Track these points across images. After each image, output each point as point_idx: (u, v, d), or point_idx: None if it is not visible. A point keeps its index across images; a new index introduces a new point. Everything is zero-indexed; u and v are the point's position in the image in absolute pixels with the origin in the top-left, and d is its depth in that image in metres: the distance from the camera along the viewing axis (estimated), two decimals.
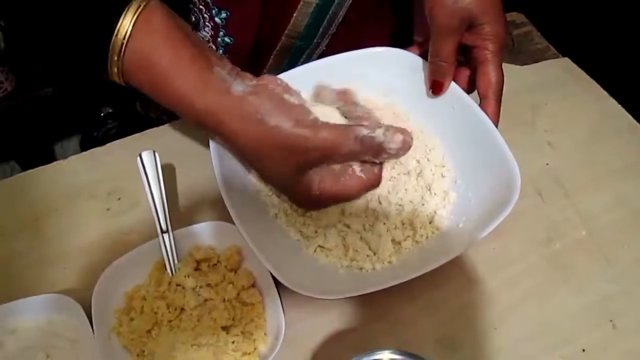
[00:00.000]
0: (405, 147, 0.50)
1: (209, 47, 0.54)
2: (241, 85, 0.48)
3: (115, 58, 0.46)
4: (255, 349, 0.51)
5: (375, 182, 0.54)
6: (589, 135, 0.69)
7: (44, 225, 0.62)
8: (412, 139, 0.51)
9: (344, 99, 0.57)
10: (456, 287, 0.57)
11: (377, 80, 0.62)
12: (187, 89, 0.47)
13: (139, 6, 0.45)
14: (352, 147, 0.49)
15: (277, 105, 0.48)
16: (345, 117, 0.55)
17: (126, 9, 0.45)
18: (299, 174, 0.50)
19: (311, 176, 0.51)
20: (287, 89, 0.50)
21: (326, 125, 0.48)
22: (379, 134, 0.49)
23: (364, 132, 0.49)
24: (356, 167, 0.53)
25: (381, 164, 0.55)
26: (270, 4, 0.65)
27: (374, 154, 0.50)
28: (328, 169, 0.52)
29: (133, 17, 0.45)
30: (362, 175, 0.53)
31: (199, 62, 0.47)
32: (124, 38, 0.45)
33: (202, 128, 0.50)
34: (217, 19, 0.65)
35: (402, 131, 0.50)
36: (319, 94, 0.58)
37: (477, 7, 0.53)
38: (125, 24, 0.45)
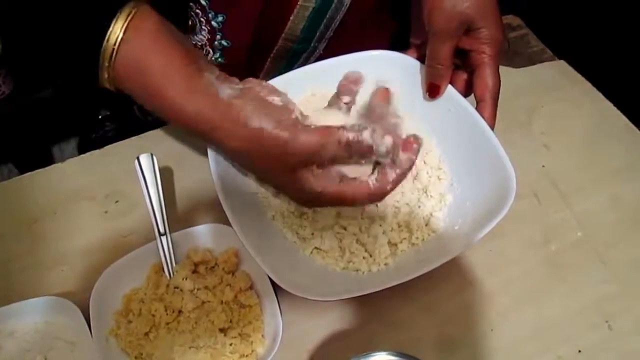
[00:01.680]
0: (395, 151, 0.50)
1: (199, 52, 0.54)
2: (228, 89, 0.48)
3: (106, 64, 0.46)
4: (252, 351, 0.51)
5: (380, 197, 0.53)
6: (585, 137, 0.69)
7: (42, 228, 0.62)
8: (400, 137, 0.51)
9: (382, 98, 0.57)
10: (453, 288, 0.57)
11: (374, 83, 0.62)
12: (178, 95, 0.47)
13: (130, 12, 0.45)
14: (335, 151, 0.48)
15: (259, 106, 0.48)
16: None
17: (117, 14, 0.45)
18: (290, 173, 0.49)
19: (303, 175, 0.50)
20: (272, 91, 0.50)
21: (307, 128, 0.48)
22: (366, 136, 0.48)
23: (350, 135, 0.48)
24: (367, 175, 0.52)
25: (398, 177, 0.52)
26: (267, 7, 0.65)
27: (362, 156, 0.50)
28: (333, 169, 0.51)
29: (124, 23, 0.45)
30: (370, 184, 0.51)
31: (189, 68, 0.47)
32: (115, 44, 0.45)
33: (192, 135, 0.50)
34: (213, 23, 0.65)
35: (390, 133, 0.50)
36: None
37: (474, 11, 0.53)
38: (117, 29, 0.44)
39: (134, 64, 0.46)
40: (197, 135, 0.49)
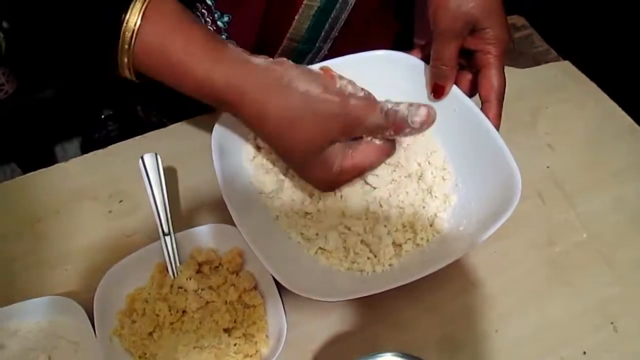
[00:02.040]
0: (430, 120, 0.48)
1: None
2: (260, 58, 0.48)
3: (126, 47, 0.46)
4: (257, 351, 0.51)
5: (392, 149, 0.52)
6: (590, 137, 0.69)
7: (46, 227, 0.62)
8: (435, 113, 0.49)
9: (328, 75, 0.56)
10: (457, 289, 0.57)
11: (378, 83, 0.62)
12: (204, 66, 0.46)
13: None
14: (378, 119, 0.48)
15: (303, 71, 0.47)
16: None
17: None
18: (322, 146, 0.49)
19: (333, 152, 0.49)
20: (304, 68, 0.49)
21: (354, 95, 0.48)
22: (402, 108, 0.48)
23: (389, 105, 0.48)
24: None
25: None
26: (272, 7, 0.65)
27: (397, 128, 0.49)
28: (346, 144, 0.50)
29: (143, 5, 0.45)
30: (377, 141, 0.51)
31: (212, 41, 0.47)
32: (135, 26, 0.45)
33: (222, 106, 0.49)
34: (219, 23, 0.65)
35: (426, 105, 0.49)
36: None
37: (480, 11, 0.53)
38: (135, 12, 0.45)
39: (155, 45, 0.46)
40: (227, 107, 0.49)
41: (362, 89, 0.50)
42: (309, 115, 0.47)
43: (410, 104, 0.48)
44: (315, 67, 0.61)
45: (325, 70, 0.50)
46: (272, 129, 0.49)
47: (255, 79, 0.47)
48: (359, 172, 0.52)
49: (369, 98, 0.49)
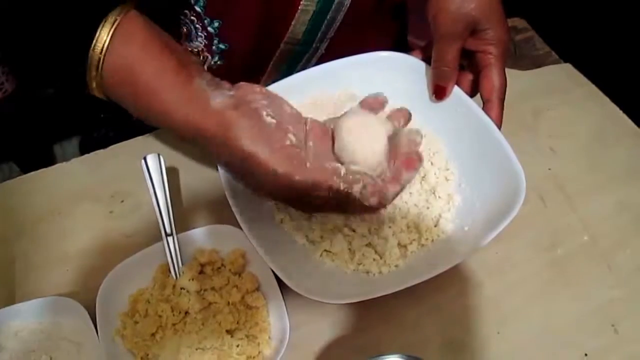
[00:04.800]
0: (381, 206, 0.49)
1: (189, 55, 0.52)
2: (219, 96, 0.46)
3: (94, 72, 0.44)
4: (259, 352, 0.51)
5: (376, 211, 0.52)
6: (591, 140, 0.69)
7: (47, 227, 0.62)
8: (392, 198, 0.50)
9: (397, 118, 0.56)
10: (459, 291, 0.57)
11: (380, 84, 0.62)
12: (167, 103, 0.45)
13: (116, 19, 0.44)
14: (324, 194, 0.47)
15: (253, 125, 0.45)
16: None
17: (103, 20, 0.43)
18: (283, 193, 0.48)
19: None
20: (266, 96, 0.48)
21: (301, 166, 0.46)
22: (356, 190, 0.47)
23: (341, 185, 0.47)
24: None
25: (397, 193, 0.51)
26: (267, 12, 0.64)
27: (348, 209, 0.49)
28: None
29: (111, 29, 0.43)
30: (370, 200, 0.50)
31: (180, 75, 0.46)
32: (101, 52, 0.43)
33: (184, 141, 0.49)
34: (210, 29, 0.64)
35: (379, 191, 0.49)
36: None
37: (480, 13, 0.54)
38: (103, 36, 0.43)
39: (122, 72, 0.45)
40: (188, 142, 0.48)
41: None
42: (255, 174, 0.46)
43: (364, 187, 0.48)
44: (310, 72, 0.61)
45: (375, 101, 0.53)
46: (229, 172, 0.49)
47: (212, 125, 0.45)
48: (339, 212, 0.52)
49: (316, 173, 0.47)
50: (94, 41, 0.43)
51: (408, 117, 0.57)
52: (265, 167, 0.45)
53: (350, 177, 0.48)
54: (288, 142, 0.46)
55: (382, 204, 0.50)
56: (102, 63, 0.44)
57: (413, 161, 0.51)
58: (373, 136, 0.50)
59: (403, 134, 0.53)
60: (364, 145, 0.49)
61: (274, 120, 0.46)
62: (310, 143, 0.48)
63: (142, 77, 0.45)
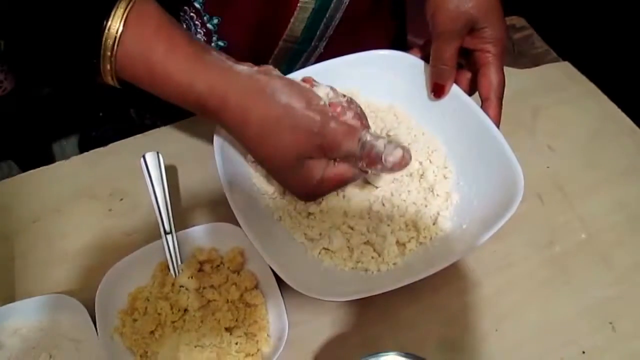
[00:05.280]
0: (403, 163, 0.49)
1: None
2: (244, 66, 0.47)
3: (108, 54, 0.45)
4: (258, 350, 0.51)
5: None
6: (589, 138, 0.69)
7: (46, 225, 0.62)
8: (411, 157, 0.49)
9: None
10: (457, 289, 0.57)
11: (379, 82, 0.62)
12: (186, 71, 0.46)
13: (129, 2, 0.45)
14: (353, 148, 0.48)
15: (288, 83, 0.47)
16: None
17: (116, 6, 0.44)
18: (299, 159, 0.48)
19: (314, 163, 0.49)
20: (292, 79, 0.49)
21: (336, 117, 0.48)
22: (380, 143, 0.48)
23: (367, 137, 0.48)
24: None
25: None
26: (266, 10, 0.64)
27: (370, 162, 0.49)
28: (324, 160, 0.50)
29: (124, 12, 0.44)
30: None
31: (195, 47, 0.46)
32: (116, 33, 0.44)
33: (204, 113, 0.48)
34: (209, 25, 0.65)
35: (403, 147, 0.49)
36: None
37: (478, 11, 0.54)
38: (116, 19, 0.44)
39: (137, 52, 0.45)
40: (208, 113, 0.48)
41: (356, 110, 0.50)
42: (287, 128, 0.46)
43: (390, 142, 0.48)
44: (309, 70, 0.61)
45: (307, 80, 0.50)
46: (253, 136, 0.48)
47: (239, 85, 0.46)
48: (340, 182, 0.52)
49: (350, 125, 0.48)
50: (108, 24, 0.44)
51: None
52: (302, 119, 0.46)
53: (375, 133, 0.49)
54: (322, 102, 0.48)
55: (406, 160, 0.49)
56: (117, 45, 0.45)
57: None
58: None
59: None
60: None
61: (306, 85, 0.48)
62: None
63: (157, 55, 0.46)
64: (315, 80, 0.50)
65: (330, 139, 0.47)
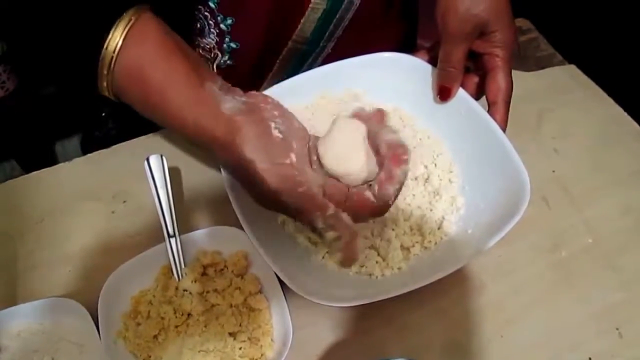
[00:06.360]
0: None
1: (202, 60, 0.51)
2: (230, 101, 0.46)
3: (105, 72, 0.44)
4: (262, 355, 0.51)
5: (382, 212, 0.49)
6: (595, 142, 0.69)
7: (49, 227, 0.61)
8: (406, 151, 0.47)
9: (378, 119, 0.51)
10: (462, 293, 0.57)
11: (385, 84, 0.62)
12: (179, 105, 0.45)
13: (130, 19, 0.44)
14: (313, 222, 0.45)
15: (260, 134, 0.45)
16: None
17: (117, 21, 0.44)
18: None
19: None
20: (276, 107, 0.47)
21: (292, 190, 0.44)
22: (329, 236, 0.45)
23: (330, 211, 0.45)
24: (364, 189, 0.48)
25: (397, 191, 0.48)
26: (277, 11, 0.64)
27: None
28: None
29: (124, 30, 0.43)
30: (372, 199, 0.47)
31: (191, 77, 0.45)
32: (114, 51, 0.43)
33: (194, 144, 0.48)
34: (222, 26, 0.65)
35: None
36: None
37: (489, 15, 0.53)
38: (116, 36, 0.43)
39: (134, 72, 0.45)
40: (198, 145, 0.48)
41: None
42: (248, 181, 0.46)
43: (337, 237, 0.45)
44: (315, 72, 0.60)
45: (379, 113, 0.49)
46: (232, 175, 0.49)
47: (220, 128, 0.45)
48: None
49: (305, 199, 0.44)
50: (108, 40, 0.43)
51: (383, 116, 0.53)
52: (259, 177, 0.44)
53: (332, 221, 0.45)
54: (288, 161, 0.45)
55: (353, 258, 0.47)
56: (114, 62, 0.44)
57: (398, 155, 0.47)
58: (350, 145, 0.47)
59: (382, 130, 0.49)
60: (344, 158, 0.47)
61: (280, 135, 0.46)
62: (314, 166, 0.47)
63: (153, 78, 0.45)
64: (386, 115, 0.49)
65: (282, 208, 0.46)
